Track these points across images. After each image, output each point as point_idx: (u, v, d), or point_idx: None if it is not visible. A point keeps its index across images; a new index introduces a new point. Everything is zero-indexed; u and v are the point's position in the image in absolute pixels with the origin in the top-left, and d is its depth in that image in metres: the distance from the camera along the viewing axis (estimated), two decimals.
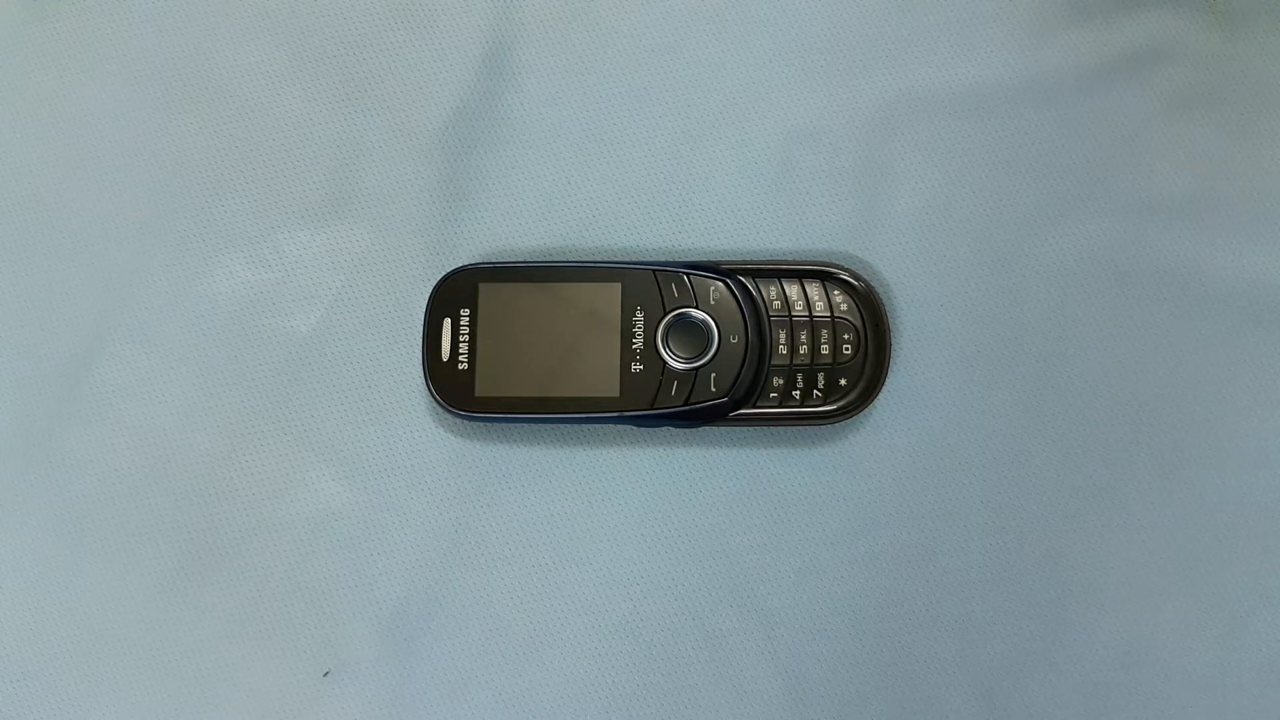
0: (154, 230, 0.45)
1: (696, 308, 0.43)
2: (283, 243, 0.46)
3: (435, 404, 0.43)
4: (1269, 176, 0.45)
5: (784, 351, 0.43)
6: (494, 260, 0.45)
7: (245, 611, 0.44)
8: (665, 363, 0.42)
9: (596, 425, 0.44)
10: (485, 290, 0.43)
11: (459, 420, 0.44)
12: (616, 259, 0.44)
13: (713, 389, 0.42)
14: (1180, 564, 0.44)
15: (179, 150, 0.46)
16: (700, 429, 0.44)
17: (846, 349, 0.43)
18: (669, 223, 0.46)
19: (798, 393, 0.43)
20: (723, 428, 0.44)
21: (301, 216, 0.46)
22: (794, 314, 0.43)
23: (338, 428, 0.45)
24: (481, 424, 0.44)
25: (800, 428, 0.44)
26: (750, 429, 0.44)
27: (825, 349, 0.43)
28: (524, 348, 0.43)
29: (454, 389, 0.43)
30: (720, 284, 0.43)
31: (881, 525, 0.44)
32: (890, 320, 0.44)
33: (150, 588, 0.44)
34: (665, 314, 0.43)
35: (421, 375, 0.43)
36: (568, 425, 0.44)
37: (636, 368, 0.42)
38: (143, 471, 0.44)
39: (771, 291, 0.43)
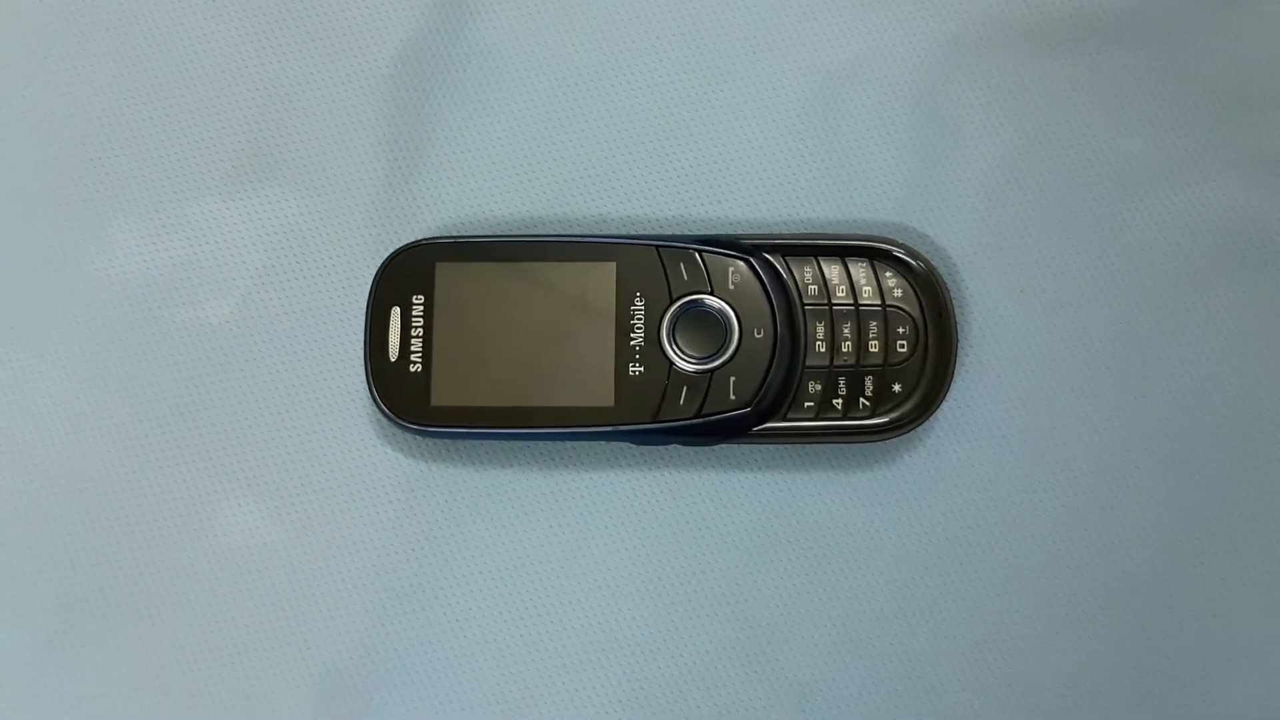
0: (29, 195, 0.44)
1: (711, 294, 0.41)
2: (190, 210, 0.44)
3: (381, 415, 0.42)
4: None
5: (822, 349, 0.41)
6: (455, 234, 0.44)
7: (145, 676, 0.42)
8: (672, 364, 0.41)
9: (585, 443, 0.43)
10: (444, 271, 0.42)
11: (411, 436, 0.43)
12: (610, 232, 0.43)
13: (732, 397, 0.41)
14: None
15: (62, 93, 0.45)
16: (716, 448, 0.42)
17: (901, 346, 0.42)
18: (677, 185, 0.44)
19: (839, 402, 0.41)
20: (744, 446, 0.42)
21: (214, 177, 0.44)
22: (835, 302, 0.42)
23: (260, 445, 0.43)
24: (440, 441, 0.43)
25: (842, 446, 0.43)
26: (779, 447, 0.43)
27: (874, 346, 0.41)
28: (493, 345, 0.41)
29: (405, 396, 0.41)
30: (741, 264, 0.42)
31: (944, 570, 0.43)
32: (956, 310, 0.42)
33: (25, 646, 0.43)
34: (672, 302, 0.41)
35: (364, 379, 0.42)
36: (549, 443, 0.43)
37: (635, 370, 0.41)
38: (16, 498, 0.43)
39: (807, 273, 0.42)
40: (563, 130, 0.44)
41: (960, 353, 0.42)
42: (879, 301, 0.42)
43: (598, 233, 0.43)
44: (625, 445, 0.42)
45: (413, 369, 0.41)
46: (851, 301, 0.42)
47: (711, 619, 0.42)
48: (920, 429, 0.42)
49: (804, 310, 0.42)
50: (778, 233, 0.43)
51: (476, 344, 0.42)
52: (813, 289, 0.42)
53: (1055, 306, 0.44)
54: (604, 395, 0.41)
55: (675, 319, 0.41)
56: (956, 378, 0.42)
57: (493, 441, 0.43)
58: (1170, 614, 0.42)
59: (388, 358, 0.41)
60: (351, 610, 0.43)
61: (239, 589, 0.43)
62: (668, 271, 0.41)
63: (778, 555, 0.43)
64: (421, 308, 0.42)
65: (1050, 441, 0.43)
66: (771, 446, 0.43)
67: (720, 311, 0.41)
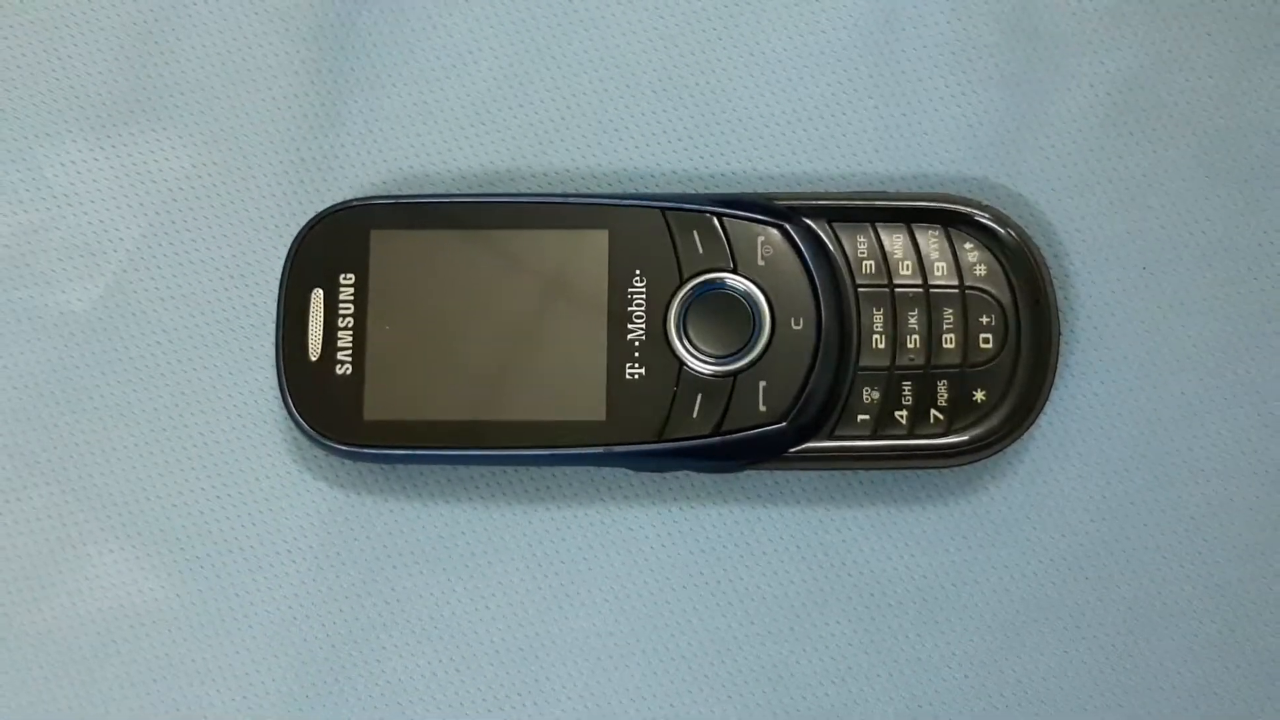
0: None
1: (734, 272, 0.37)
2: (46, 164, 0.40)
3: (299, 432, 0.37)
4: None
5: (881, 345, 0.37)
6: (396, 193, 0.39)
7: None
8: (682, 364, 0.37)
9: (569, 469, 0.39)
10: (381, 242, 0.38)
11: (339, 459, 0.38)
12: (601, 191, 0.39)
13: (761, 408, 0.37)
14: None
15: None
16: (741, 475, 0.38)
17: (985, 341, 0.37)
18: (690, 129, 0.40)
19: (904, 414, 0.37)
20: (779, 473, 0.38)
21: (79, 121, 0.40)
22: (897, 282, 0.37)
23: (139, 471, 0.38)
24: (377, 466, 0.38)
25: (908, 472, 0.38)
26: (824, 475, 0.38)
27: (950, 341, 0.37)
28: (445, 340, 0.37)
29: (330, 407, 0.37)
30: (775, 232, 0.37)
31: (1047, 633, 0.37)
32: (1057, 293, 0.37)
33: None
34: (683, 283, 0.37)
35: (276, 385, 0.37)
36: (520, 469, 0.39)
37: (634, 372, 0.37)
38: None
39: (861, 245, 0.37)
40: (541, 59, 0.40)
41: (1063, 349, 0.37)
42: (956, 282, 0.37)
43: (584, 192, 0.39)
44: (621, 472, 0.38)
45: (340, 371, 0.37)
46: (920, 282, 0.37)
47: (738, 698, 0.37)
48: (1011, 449, 0.37)
49: (857, 293, 0.37)
50: (823, 191, 0.38)
51: (424, 339, 0.37)
52: (868, 265, 0.37)
53: (1188, 288, 0.38)
54: (593, 407, 0.37)
55: (687, 305, 0.37)
56: (1059, 382, 0.37)
57: (445, 466, 0.38)
58: None
59: (307, 356, 0.37)
60: (263, 687, 0.37)
61: (114, 662, 0.37)
62: (677, 242, 0.37)
63: (823, 616, 0.38)
64: (352, 290, 0.37)
65: (1184, 465, 0.38)
66: (814, 473, 0.38)
67: (746, 295, 0.37)
